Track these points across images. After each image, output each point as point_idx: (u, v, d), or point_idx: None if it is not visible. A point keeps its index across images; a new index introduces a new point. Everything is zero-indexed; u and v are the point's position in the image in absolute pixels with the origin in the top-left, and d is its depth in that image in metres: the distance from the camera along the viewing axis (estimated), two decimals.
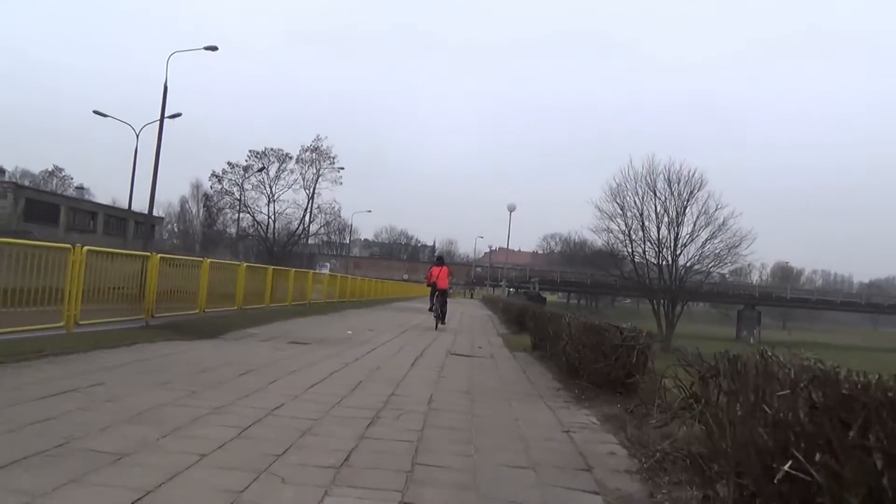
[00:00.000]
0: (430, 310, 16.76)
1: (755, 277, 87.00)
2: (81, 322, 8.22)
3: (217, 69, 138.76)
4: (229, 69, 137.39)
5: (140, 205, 34.55)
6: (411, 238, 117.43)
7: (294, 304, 18.70)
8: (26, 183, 56.47)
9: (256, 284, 16.09)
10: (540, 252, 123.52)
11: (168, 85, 26.81)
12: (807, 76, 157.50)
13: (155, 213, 30.98)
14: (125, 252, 11.16)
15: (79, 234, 32.17)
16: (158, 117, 26.96)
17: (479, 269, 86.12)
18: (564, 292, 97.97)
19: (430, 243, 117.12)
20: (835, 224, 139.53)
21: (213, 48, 27.63)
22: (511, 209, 28.49)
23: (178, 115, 32.34)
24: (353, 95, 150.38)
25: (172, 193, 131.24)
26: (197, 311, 11.95)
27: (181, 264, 11.90)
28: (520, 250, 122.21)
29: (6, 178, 33.01)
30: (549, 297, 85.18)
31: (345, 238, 77.51)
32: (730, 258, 46.47)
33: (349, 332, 12.99)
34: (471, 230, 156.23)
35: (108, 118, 31.43)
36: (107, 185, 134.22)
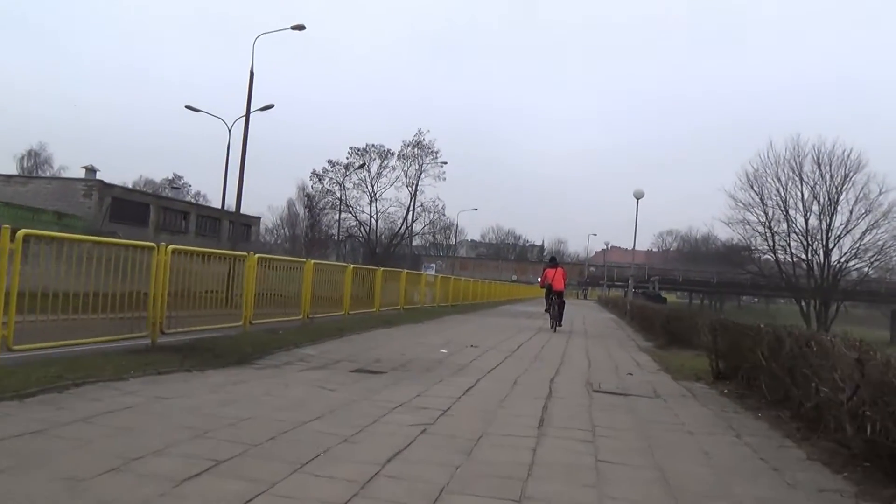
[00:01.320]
0: (546, 311, 16.42)
1: None
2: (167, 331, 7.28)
3: (326, 70, 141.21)
4: (340, 69, 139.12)
5: (245, 205, 33.17)
6: (519, 238, 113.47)
7: (403, 307, 17.60)
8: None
9: (362, 288, 14.87)
10: (655, 250, 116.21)
11: (255, 70, 24.77)
12: None
13: (261, 214, 29.07)
14: (215, 252, 9.82)
15: (169, 235, 30.99)
16: (246, 108, 24.96)
17: (592, 269, 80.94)
18: (686, 292, 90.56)
19: (538, 243, 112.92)
20: None
21: (301, 27, 25.33)
22: (638, 196, 24.13)
23: (271, 106, 30.48)
24: (460, 94, 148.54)
25: (280, 195, 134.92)
26: (300, 317, 11.15)
27: (279, 266, 11.02)
28: (633, 248, 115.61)
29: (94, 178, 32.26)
30: (669, 297, 78.74)
31: (450, 238, 75.06)
32: None
33: (443, 350, 9.64)
34: (580, 230, 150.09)
35: (201, 113, 29.98)
36: (206, 185, 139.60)
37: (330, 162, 50.37)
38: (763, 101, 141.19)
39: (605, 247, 73.98)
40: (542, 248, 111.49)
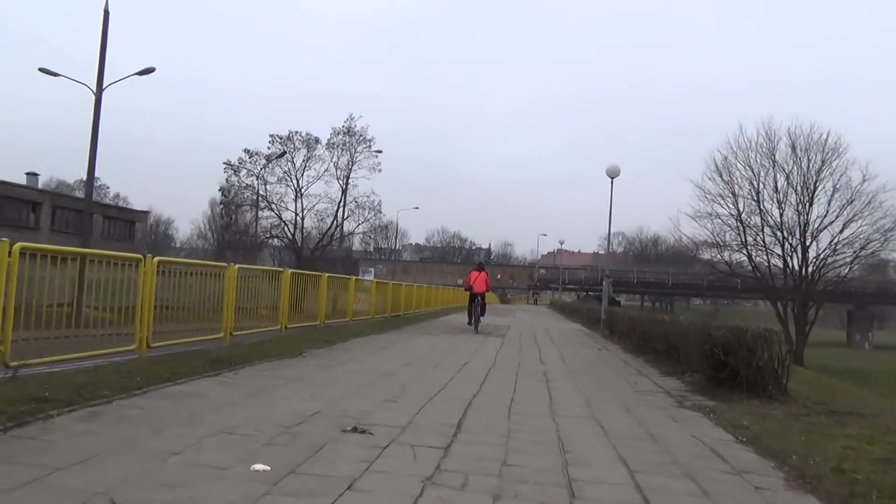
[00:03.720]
0: (469, 314, 17.13)
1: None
2: None
3: (264, 68, 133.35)
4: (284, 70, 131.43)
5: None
6: (465, 241, 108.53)
7: (323, 322, 13.41)
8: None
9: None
10: (602, 252, 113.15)
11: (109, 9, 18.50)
12: None
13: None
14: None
15: (7, 231, 24.06)
16: (99, 58, 18.66)
17: (543, 271, 76.27)
18: (638, 294, 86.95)
19: (485, 246, 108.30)
20: None
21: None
22: (613, 174, 18.88)
23: (151, 70, 24.21)
24: (402, 96, 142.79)
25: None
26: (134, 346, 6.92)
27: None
28: (579, 251, 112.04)
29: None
30: (619, 300, 74.67)
31: (390, 238, 69.36)
32: (885, 246, 35.41)
33: (260, 467, 3.80)
34: (527, 232, 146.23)
35: (60, 77, 23.28)
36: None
37: (247, 151, 43.82)
38: (708, 101, 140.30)
39: (559, 245, 69.42)
40: (488, 250, 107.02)
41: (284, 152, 43.21)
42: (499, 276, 79.99)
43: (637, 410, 6.25)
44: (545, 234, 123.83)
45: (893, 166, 52.16)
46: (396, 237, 75.85)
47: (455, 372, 8.45)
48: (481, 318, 16.97)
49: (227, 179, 44.37)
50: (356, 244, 76.71)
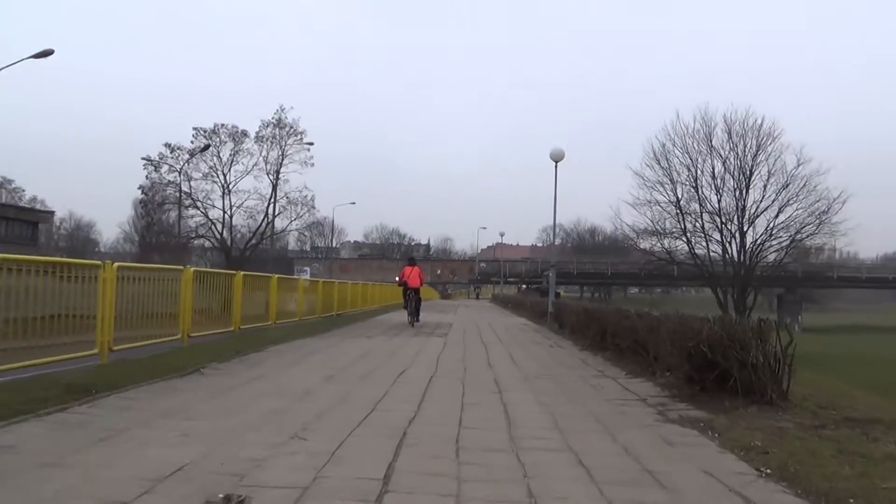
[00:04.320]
0: (406, 308, 17.65)
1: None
2: None
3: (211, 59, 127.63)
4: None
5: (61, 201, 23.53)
6: (404, 237, 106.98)
7: (239, 327, 11.66)
8: None
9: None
10: (540, 245, 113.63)
11: None
12: None
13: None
14: None
15: None
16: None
17: (483, 265, 75.41)
18: (577, 285, 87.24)
19: (425, 241, 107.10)
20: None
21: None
22: (557, 158, 17.69)
23: (48, 52, 21.74)
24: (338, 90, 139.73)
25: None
26: None
27: None
28: (517, 245, 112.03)
29: None
30: (561, 291, 74.53)
31: (325, 235, 67.13)
32: (820, 229, 35.74)
33: None
34: (467, 227, 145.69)
35: None
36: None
37: (168, 146, 40.90)
38: (646, 92, 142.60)
39: (499, 237, 68.54)
40: (428, 246, 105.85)
41: (209, 145, 40.50)
42: (439, 272, 78.80)
43: (620, 433, 4.89)
44: (485, 228, 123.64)
45: (826, 150, 53.31)
46: (333, 234, 73.58)
47: (389, 385, 6.94)
48: (420, 314, 17.41)
49: (146, 176, 41.41)
50: (292, 243, 74.16)
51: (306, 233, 50.76)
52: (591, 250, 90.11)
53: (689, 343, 6.41)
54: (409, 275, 17.39)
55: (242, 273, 12.67)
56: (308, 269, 62.61)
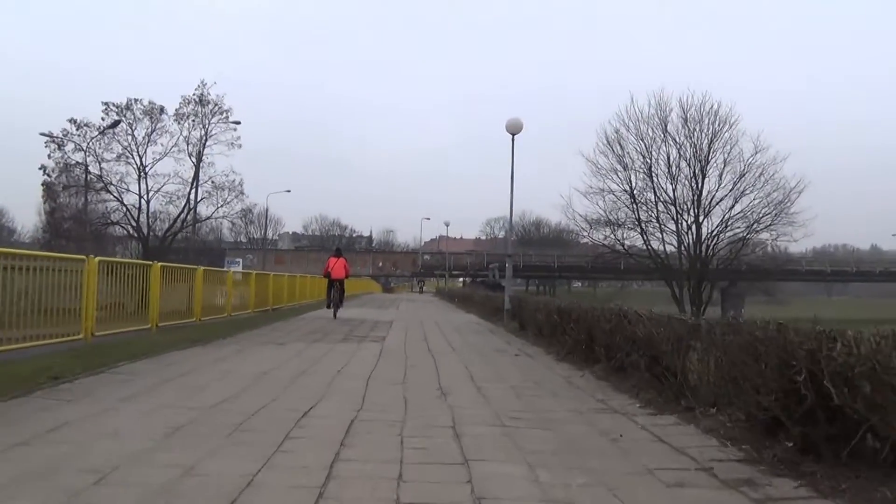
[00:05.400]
0: (329, 298, 17.37)
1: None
2: None
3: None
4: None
5: None
6: (346, 228, 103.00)
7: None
8: None
9: None
10: (484, 238, 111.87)
11: None
12: None
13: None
14: None
15: None
16: None
17: (427, 257, 72.67)
18: (523, 278, 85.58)
19: (366, 233, 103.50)
20: None
21: None
22: (514, 130, 14.83)
23: None
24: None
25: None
26: None
27: None
28: (461, 238, 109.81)
29: None
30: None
31: (260, 224, 63.09)
32: (779, 220, 34.35)
33: None
34: (410, 219, 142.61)
35: None
36: None
37: (73, 122, 36.31)
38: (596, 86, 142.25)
39: (444, 227, 65.75)
40: (370, 238, 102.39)
41: (118, 121, 36.13)
42: (380, 264, 75.69)
43: None
44: (428, 218, 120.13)
45: (782, 138, 52.40)
46: (266, 222, 69.40)
47: (271, 450, 3.99)
48: (339, 306, 17.26)
49: (49, 155, 36.73)
50: (226, 233, 69.56)
51: (238, 221, 46.65)
52: (538, 243, 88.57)
53: (790, 372, 3.74)
54: (334, 266, 17.23)
55: (160, 264, 11.46)
56: (240, 260, 58.49)
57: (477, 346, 11.01)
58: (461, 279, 68.53)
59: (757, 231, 34.61)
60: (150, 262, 11.40)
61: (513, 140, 16.16)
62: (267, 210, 62.77)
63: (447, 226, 62.35)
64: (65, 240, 36.88)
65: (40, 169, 36.53)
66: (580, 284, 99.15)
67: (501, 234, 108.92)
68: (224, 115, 39.32)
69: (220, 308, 15.32)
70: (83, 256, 9.07)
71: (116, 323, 9.67)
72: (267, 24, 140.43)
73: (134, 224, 38.80)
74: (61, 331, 8.03)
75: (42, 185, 36.85)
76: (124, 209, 38.69)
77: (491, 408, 5.52)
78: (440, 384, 6.74)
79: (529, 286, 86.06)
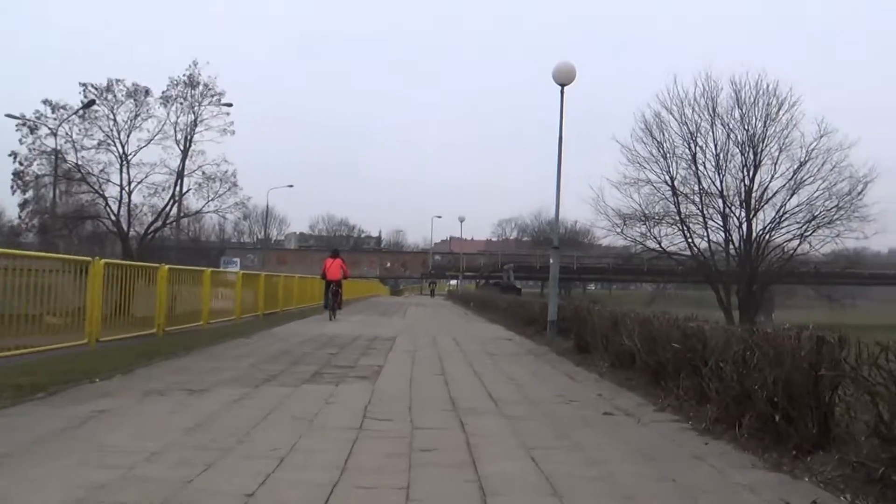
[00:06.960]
0: (326, 303, 17.00)
1: None
2: None
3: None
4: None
5: None
6: (353, 228, 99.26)
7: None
8: None
9: None
10: (495, 239, 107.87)
11: None
12: None
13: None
14: None
15: None
16: None
17: (438, 258, 68.49)
18: (539, 280, 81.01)
19: (375, 234, 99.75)
20: None
21: None
22: (564, 80, 10.36)
23: None
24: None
25: None
26: None
27: None
28: (472, 239, 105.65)
29: None
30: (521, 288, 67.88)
31: (261, 222, 59.28)
32: (845, 213, 29.83)
33: None
34: (422, 220, 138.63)
35: None
36: None
37: (47, 103, 32.35)
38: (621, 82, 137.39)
39: (454, 229, 61.43)
40: (378, 239, 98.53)
41: (93, 101, 32.03)
42: (388, 265, 71.67)
43: None
44: (440, 216, 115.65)
45: (849, 122, 45.34)
46: (268, 221, 65.58)
47: None
48: (340, 308, 17.12)
49: (20, 140, 32.82)
50: (229, 231, 65.73)
51: (232, 216, 42.68)
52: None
53: None
54: (330, 267, 16.94)
55: (103, 261, 9.10)
56: (237, 260, 54.46)
57: (529, 391, 6.71)
58: (474, 281, 64.34)
59: (819, 226, 29.97)
60: (90, 259, 8.82)
61: (562, 92, 11.94)
62: (268, 206, 58.88)
63: (461, 221, 57.90)
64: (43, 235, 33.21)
65: (10, 156, 32.65)
66: (593, 287, 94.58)
67: (514, 236, 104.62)
68: (216, 97, 35.31)
69: (196, 315, 12.55)
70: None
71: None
72: (275, 21, 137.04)
73: (112, 219, 34.78)
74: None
75: (12, 174, 32.97)
76: (104, 202, 34.70)
77: None
78: None
79: (544, 289, 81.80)
